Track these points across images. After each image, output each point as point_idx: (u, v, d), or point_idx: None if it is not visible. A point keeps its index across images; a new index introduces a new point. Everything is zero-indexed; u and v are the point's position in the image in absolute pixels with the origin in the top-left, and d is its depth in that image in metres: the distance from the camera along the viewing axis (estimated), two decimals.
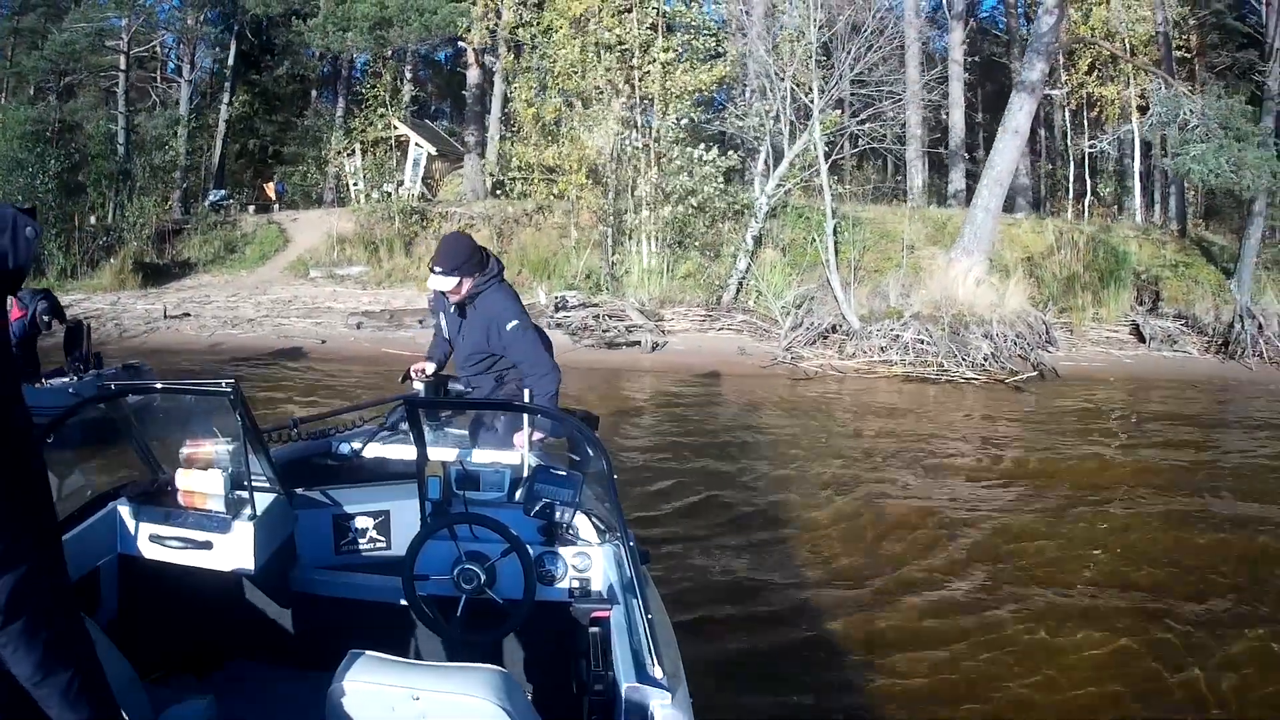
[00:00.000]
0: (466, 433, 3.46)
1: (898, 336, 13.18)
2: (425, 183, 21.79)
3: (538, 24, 16.71)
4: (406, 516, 3.01)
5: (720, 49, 16.54)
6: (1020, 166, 19.62)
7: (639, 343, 13.60)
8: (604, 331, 14.00)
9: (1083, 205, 20.29)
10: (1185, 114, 15.01)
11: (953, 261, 14.36)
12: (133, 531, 2.72)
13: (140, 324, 14.14)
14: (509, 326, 3.61)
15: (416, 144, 22.04)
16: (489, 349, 3.67)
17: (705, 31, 16.29)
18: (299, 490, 2.99)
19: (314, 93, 26.65)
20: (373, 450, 3.26)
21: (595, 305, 14.21)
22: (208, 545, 2.63)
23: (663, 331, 13.93)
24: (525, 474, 2.89)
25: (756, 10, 16.12)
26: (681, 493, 6.52)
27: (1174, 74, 19.77)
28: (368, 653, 1.83)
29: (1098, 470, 7.93)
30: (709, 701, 2.95)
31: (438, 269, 3.57)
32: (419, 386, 3.79)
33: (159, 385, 2.94)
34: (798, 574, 5.19)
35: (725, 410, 10.41)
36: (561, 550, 2.71)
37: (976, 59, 20.54)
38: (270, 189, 22.98)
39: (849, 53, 14.99)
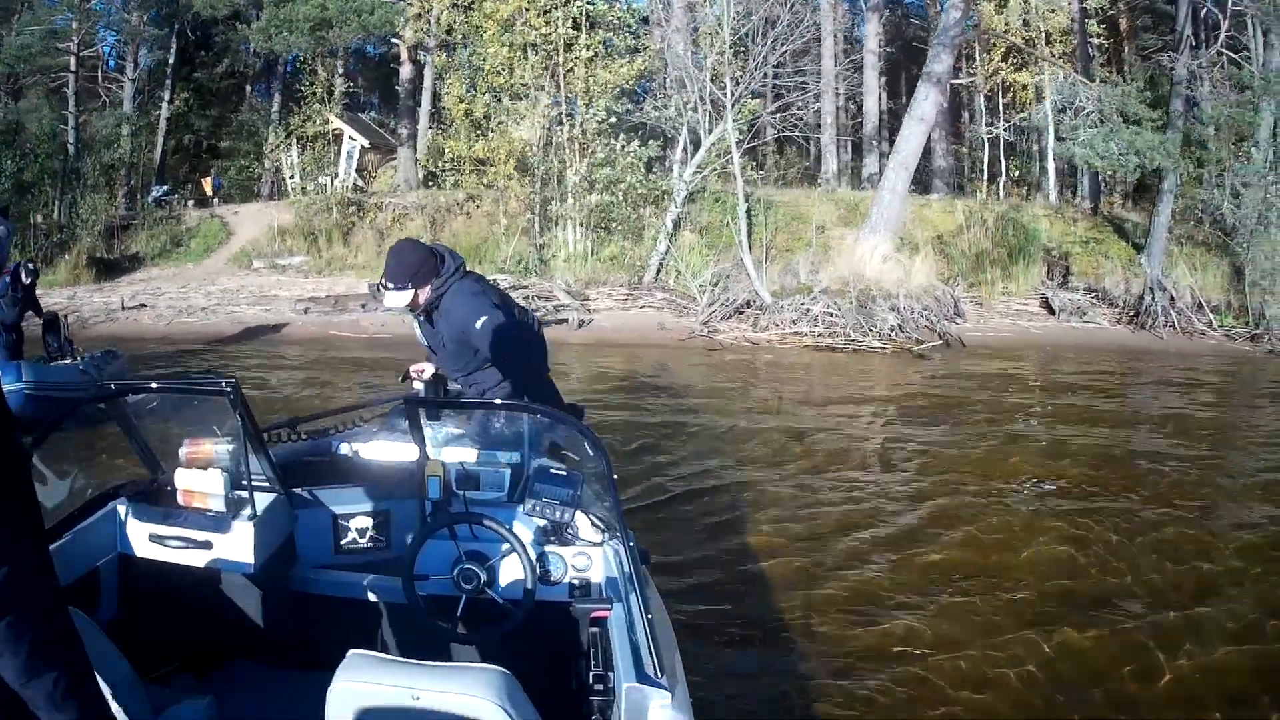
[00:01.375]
0: (466, 432, 3.53)
1: (808, 310, 15.22)
2: (359, 174, 23.78)
3: (468, 24, 18.93)
4: (406, 516, 3.21)
5: (640, 44, 18.86)
6: (939, 150, 22.04)
7: (566, 320, 15.60)
8: (534, 310, 16.21)
9: (997, 186, 22.80)
10: (1081, 100, 17.45)
11: (861, 240, 16.58)
12: (133, 531, 2.92)
13: (100, 315, 15.71)
14: (478, 325, 3.67)
15: (350, 137, 24.15)
16: (473, 351, 3.76)
17: (626, 28, 18.62)
18: (299, 490, 3.17)
19: (248, 88, 28.79)
20: (373, 450, 3.49)
21: (525, 287, 16.12)
22: (208, 545, 2.84)
23: (588, 310, 16.04)
24: (525, 474, 3.10)
25: (676, 5, 18.47)
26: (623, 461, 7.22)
27: (1090, 60, 22.33)
28: (368, 653, 1.92)
29: (990, 425, 9.47)
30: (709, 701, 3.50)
31: (389, 285, 3.67)
32: (419, 386, 3.99)
33: (155, 385, 3.08)
34: (746, 549, 5.71)
35: (648, 379, 12.08)
36: (561, 550, 2.91)
37: (895, 46, 23.01)
38: (208, 184, 24.95)
39: (765, 45, 17.34)
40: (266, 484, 3.02)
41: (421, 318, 3.81)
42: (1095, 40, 23.07)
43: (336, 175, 22.65)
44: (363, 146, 24.36)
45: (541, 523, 2.90)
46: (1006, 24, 20.95)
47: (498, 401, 3.55)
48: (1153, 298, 17.60)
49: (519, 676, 1.89)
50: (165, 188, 22.97)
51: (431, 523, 2.90)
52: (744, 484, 7.02)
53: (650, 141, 17.90)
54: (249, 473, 2.90)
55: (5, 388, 5.39)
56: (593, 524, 3.02)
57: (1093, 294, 18.38)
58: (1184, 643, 4.47)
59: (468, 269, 3.84)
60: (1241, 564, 5.58)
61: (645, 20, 19.46)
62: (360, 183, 23.11)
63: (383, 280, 3.71)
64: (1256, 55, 20.59)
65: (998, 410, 10.18)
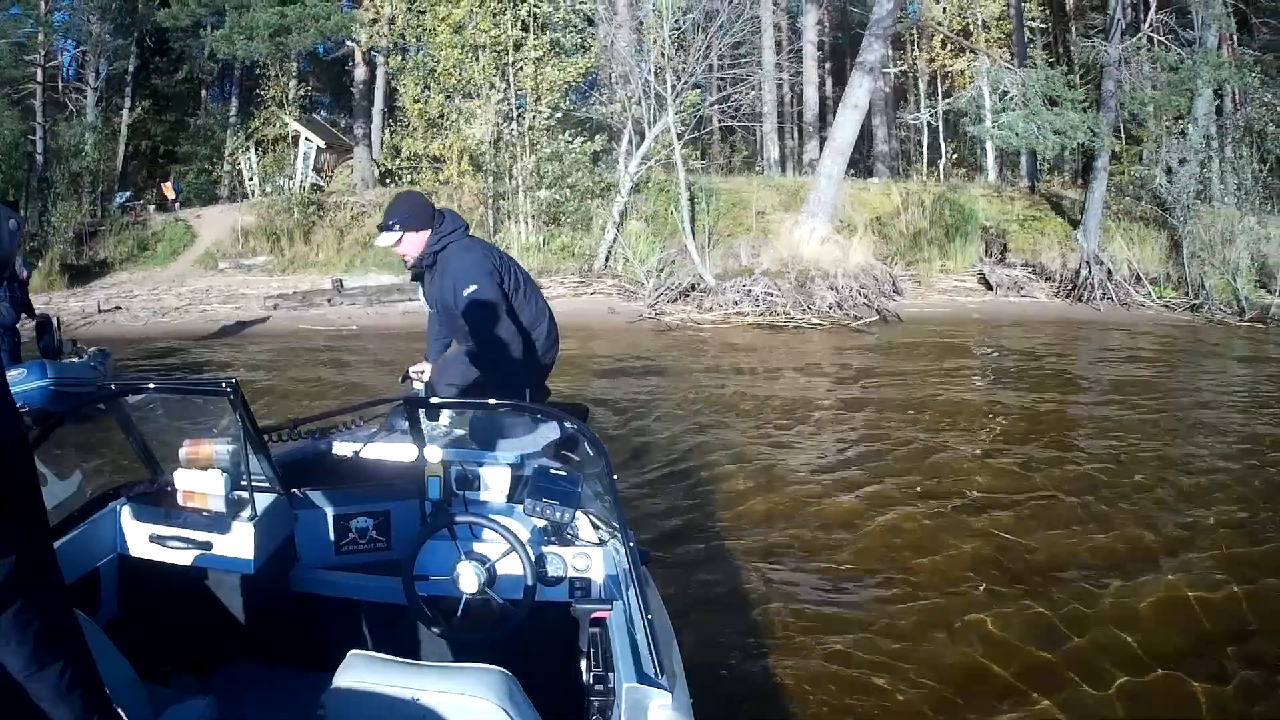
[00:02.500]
0: (466, 432, 3.63)
1: (749, 291, 17.26)
2: (316, 174, 25.70)
3: (421, 27, 20.93)
4: (406, 516, 3.39)
5: (586, 43, 20.92)
6: (881, 135, 24.23)
7: None
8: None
9: (939, 168, 25.05)
10: (1006, 85, 19.60)
11: (800, 224, 18.65)
12: (133, 531, 3.06)
13: (78, 319, 17.06)
14: (466, 292, 3.86)
15: (306, 138, 26.07)
16: (451, 310, 4.01)
17: (572, 28, 20.68)
18: (299, 490, 3.34)
19: (204, 93, 30.72)
20: (373, 450, 3.68)
21: None
22: (208, 545, 2.97)
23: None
24: (525, 474, 3.25)
25: (620, 5, 20.55)
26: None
27: (1027, 44, 24.55)
28: (368, 653, 2.01)
29: (917, 386, 11.04)
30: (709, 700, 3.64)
31: (380, 225, 3.99)
32: (419, 386, 4.22)
33: (155, 385, 3.23)
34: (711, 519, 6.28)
35: (600, 358, 13.41)
36: (561, 550, 3.04)
37: (840, 33, 25.29)
38: (168, 189, 26.73)
39: (705, 38, 19.43)
40: (266, 484, 3.16)
41: (426, 275, 4.14)
42: (1033, 24, 25.37)
43: (293, 176, 24.60)
44: (318, 147, 26.25)
45: (541, 523, 3.02)
46: (944, 11, 23.20)
47: (498, 402, 3.66)
48: (1089, 271, 19.69)
49: (519, 676, 1.98)
50: (128, 194, 24.76)
51: (431, 523, 3.04)
52: (710, 463, 7.66)
53: (596, 135, 19.94)
54: (249, 473, 3.06)
55: (33, 384, 8.03)
56: (593, 524, 3.18)
57: (1030, 269, 20.46)
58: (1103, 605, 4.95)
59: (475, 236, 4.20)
60: (1190, 523, 6.23)
61: (590, 21, 21.53)
62: (318, 182, 25.03)
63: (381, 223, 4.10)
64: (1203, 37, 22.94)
65: (935, 376, 11.85)
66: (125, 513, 3.12)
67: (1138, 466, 7.58)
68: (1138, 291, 19.75)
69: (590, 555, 3.08)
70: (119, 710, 1.86)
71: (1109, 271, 19.81)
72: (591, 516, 3.22)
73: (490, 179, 19.42)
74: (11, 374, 7.46)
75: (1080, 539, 5.88)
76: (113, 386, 3.25)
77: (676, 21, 19.21)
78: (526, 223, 19.14)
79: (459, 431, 3.58)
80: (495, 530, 2.97)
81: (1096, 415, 9.77)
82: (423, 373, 4.32)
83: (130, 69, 26.09)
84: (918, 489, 6.80)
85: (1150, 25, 21.44)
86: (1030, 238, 21.05)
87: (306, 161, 25.75)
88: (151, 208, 24.49)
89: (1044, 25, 26.40)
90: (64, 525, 2.94)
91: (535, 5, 20.23)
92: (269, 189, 23.42)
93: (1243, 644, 4.49)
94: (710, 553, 5.62)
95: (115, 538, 3.10)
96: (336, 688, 1.91)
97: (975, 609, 4.84)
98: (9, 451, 1.56)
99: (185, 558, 3.03)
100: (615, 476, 3.10)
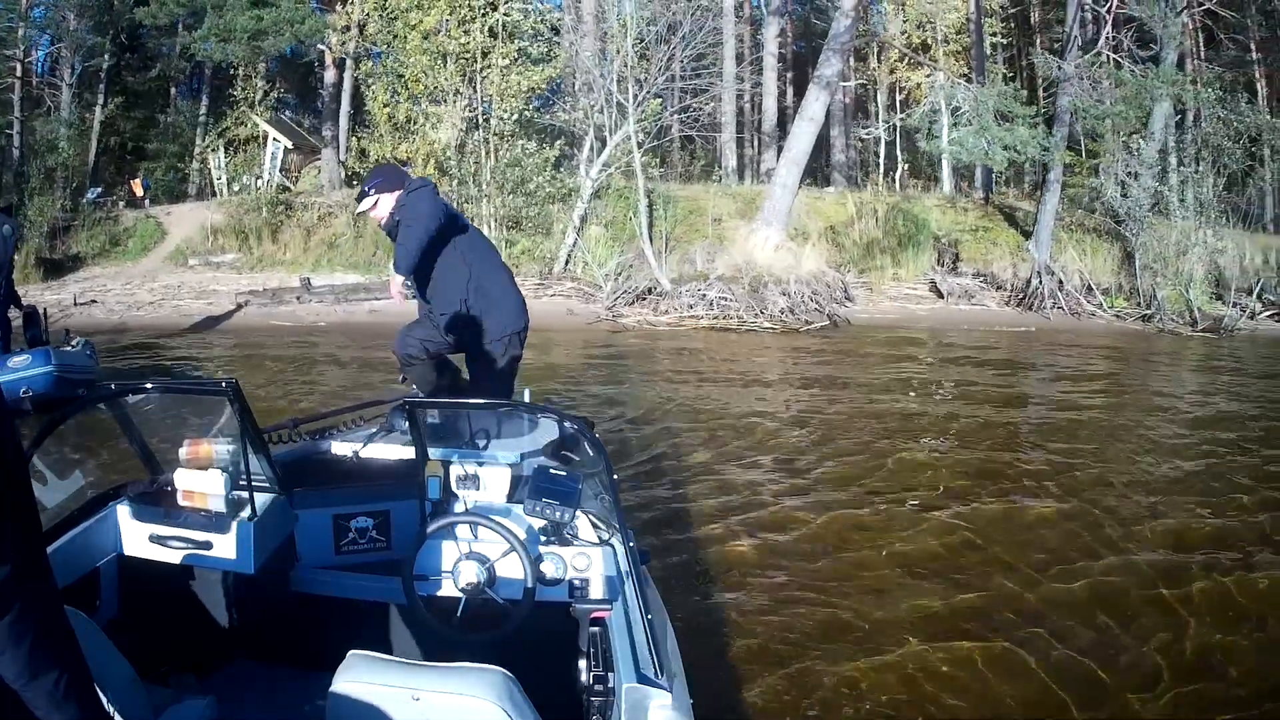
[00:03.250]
0: (465, 432, 3.68)
1: (704, 295, 18.59)
2: (283, 174, 27.00)
3: (391, 34, 22.29)
4: (406, 516, 3.54)
5: (551, 53, 22.32)
6: (839, 145, 25.78)
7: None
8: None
9: (894, 179, 26.65)
10: (958, 101, 21.11)
11: (754, 231, 20.06)
12: (133, 532, 3.20)
13: (55, 311, 17.67)
14: (402, 216, 4.46)
15: (274, 139, 27.40)
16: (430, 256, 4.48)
17: (539, 37, 22.10)
18: (299, 490, 3.47)
19: (173, 90, 31.97)
20: (373, 450, 3.84)
21: None
22: (208, 545, 3.11)
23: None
24: (525, 474, 3.39)
25: (586, 15, 21.99)
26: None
27: (986, 58, 26.13)
28: (368, 653, 2.10)
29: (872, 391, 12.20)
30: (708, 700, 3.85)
31: (358, 195, 4.52)
32: (397, 295, 4.64)
33: (155, 385, 3.36)
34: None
35: (559, 360, 14.52)
36: (561, 550, 3.17)
37: (804, 42, 26.90)
38: (137, 185, 27.92)
39: (668, 50, 20.86)
40: (266, 484, 3.27)
41: (387, 234, 4.62)
42: (995, 38, 27.01)
43: (261, 175, 25.90)
44: (286, 148, 27.58)
45: (541, 523, 3.14)
46: (904, 25, 24.77)
47: (498, 401, 3.77)
48: (1040, 281, 21.17)
49: (519, 676, 2.04)
50: (99, 190, 25.77)
51: (431, 523, 3.13)
52: (676, 456, 8.38)
53: (558, 141, 21.33)
54: (249, 473, 3.16)
55: (39, 370, 9.34)
56: (593, 524, 3.31)
57: (981, 278, 21.98)
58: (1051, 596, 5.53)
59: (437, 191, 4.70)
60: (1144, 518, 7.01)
61: (555, 30, 22.93)
62: (284, 183, 26.31)
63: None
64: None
65: (881, 378, 13.10)
66: (125, 513, 3.23)
67: (1083, 463, 8.53)
68: (1089, 301, 21.21)
69: (590, 555, 3.18)
70: (119, 711, 1.94)
71: (1060, 281, 21.31)
72: (591, 516, 3.35)
73: (455, 183, 20.75)
74: (18, 359, 8.90)
75: (1024, 524, 6.79)
76: (112, 387, 3.35)
77: (640, 33, 20.67)
78: (489, 226, 20.48)
79: (459, 431, 3.68)
80: (495, 530, 3.05)
81: (1037, 417, 11.03)
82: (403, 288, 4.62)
83: (104, 66, 27.30)
84: (871, 488, 7.53)
85: (1105, 42, 22.98)
86: (982, 248, 22.56)
87: (274, 162, 27.04)
88: (122, 204, 25.72)
89: (1005, 40, 28.02)
90: (64, 525, 3.05)
91: (505, 14, 21.63)
92: (237, 188, 24.75)
93: (1175, 633, 5.01)
94: (682, 547, 6.08)
95: (115, 538, 3.22)
96: (336, 688, 1.99)
97: (957, 604, 5.29)
98: (7, 451, 1.63)
99: (185, 558, 3.16)
100: (615, 476, 3.24)
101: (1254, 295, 21.70)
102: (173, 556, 3.17)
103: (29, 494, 1.69)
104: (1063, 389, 13.08)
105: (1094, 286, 21.55)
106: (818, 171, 26.23)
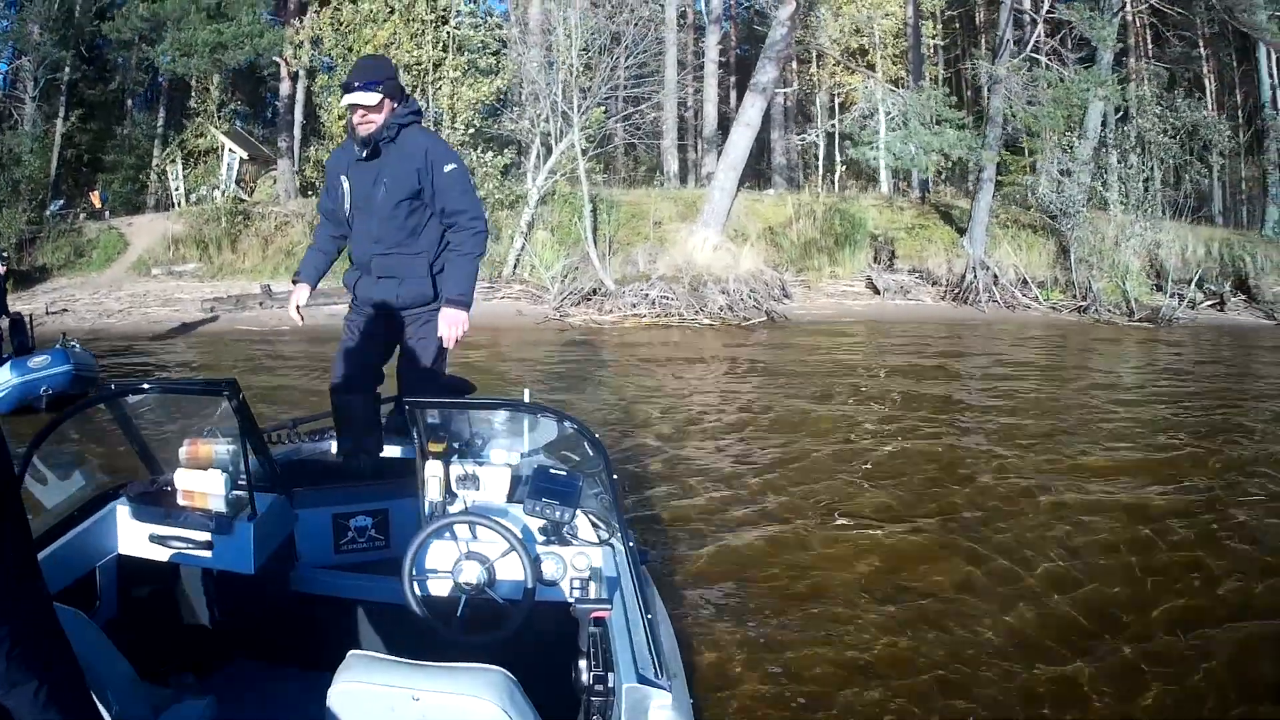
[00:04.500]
0: (465, 432, 3.77)
1: (646, 294, 20.59)
2: (238, 185, 28.96)
3: (347, 48, 24.48)
4: (406, 516, 3.77)
5: (500, 65, 24.63)
6: (779, 148, 28.22)
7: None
8: None
9: (833, 180, 29.14)
10: (888, 107, 23.56)
11: (694, 233, 22.27)
12: (133, 532, 3.37)
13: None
14: (448, 168, 4.10)
15: (230, 149, 29.45)
16: (417, 193, 4.10)
17: (487, 50, 24.42)
18: (299, 490, 3.70)
19: (129, 102, 33.84)
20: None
21: None
22: (208, 545, 3.27)
23: None
24: (525, 474, 3.56)
25: (533, 27, 24.33)
26: None
27: (923, 61, 28.64)
28: (368, 653, 2.19)
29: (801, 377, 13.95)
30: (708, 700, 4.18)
31: (357, 83, 4.03)
32: (295, 316, 4.49)
33: (155, 385, 3.60)
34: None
35: (510, 356, 15.94)
36: (561, 550, 3.31)
37: (744, 48, 29.34)
38: (95, 197, 29.90)
39: (611, 59, 23.19)
40: (266, 484, 3.44)
41: (364, 153, 4.11)
42: (935, 40, 29.55)
43: (217, 186, 27.85)
44: (241, 158, 29.64)
45: (541, 523, 3.31)
46: (841, 31, 27.22)
47: (499, 400, 3.84)
48: (975, 275, 23.32)
49: (519, 676, 2.14)
50: (60, 202, 27.59)
51: (431, 523, 3.24)
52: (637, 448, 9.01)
53: (505, 150, 23.57)
54: (249, 473, 3.33)
55: (59, 370, 11.39)
56: (593, 524, 3.47)
57: (917, 274, 24.22)
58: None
59: None
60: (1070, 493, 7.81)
61: (504, 43, 25.25)
62: (240, 193, 28.22)
63: (349, 80, 4.09)
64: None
65: (813, 369, 14.66)
66: (125, 513, 3.37)
67: (1016, 444, 9.53)
68: (1024, 294, 23.46)
69: (590, 555, 3.29)
70: (118, 712, 2.04)
71: (995, 276, 23.51)
72: (591, 516, 3.49)
73: None
74: (38, 360, 9.93)
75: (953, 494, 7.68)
76: (113, 387, 3.48)
77: (585, 44, 22.93)
78: None
79: (458, 431, 3.74)
80: (495, 530, 3.15)
81: (969, 400, 12.39)
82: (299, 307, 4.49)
83: (66, 79, 29.13)
84: (807, 495, 7.87)
85: (1033, 45, 25.43)
86: (918, 245, 24.86)
87: (230, 172, 29.02)
88: (82, 215, 27.58)
89: (945, 42, 30.53)
90: (64, 525, 3.18)
91: (455, 29, 23.93)
92: (194, 199, 26.88)
93: (1113, 624, 5.37)
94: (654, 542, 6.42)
95: (115, 538, 3.35)
96: (336, 688, 2.08)
97: (942, 601, 5.61)
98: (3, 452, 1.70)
99: (185, 558, 3.30)
100: (615, 476, 3.39)
101: (1192, 285, 23.89)
102: (172, 556, 3.33)
103: (18, 501, 1.76)
104: (996, 371, 14.88)
105: (1029, 280, 23.79)
106: (760, 173, 28.75)
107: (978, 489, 7.94)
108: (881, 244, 24.77)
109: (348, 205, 4.27)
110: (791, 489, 7.90)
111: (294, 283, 4.50)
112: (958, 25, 33.16)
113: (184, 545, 3.31)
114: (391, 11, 23.25)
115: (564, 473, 3.44)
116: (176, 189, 28.20)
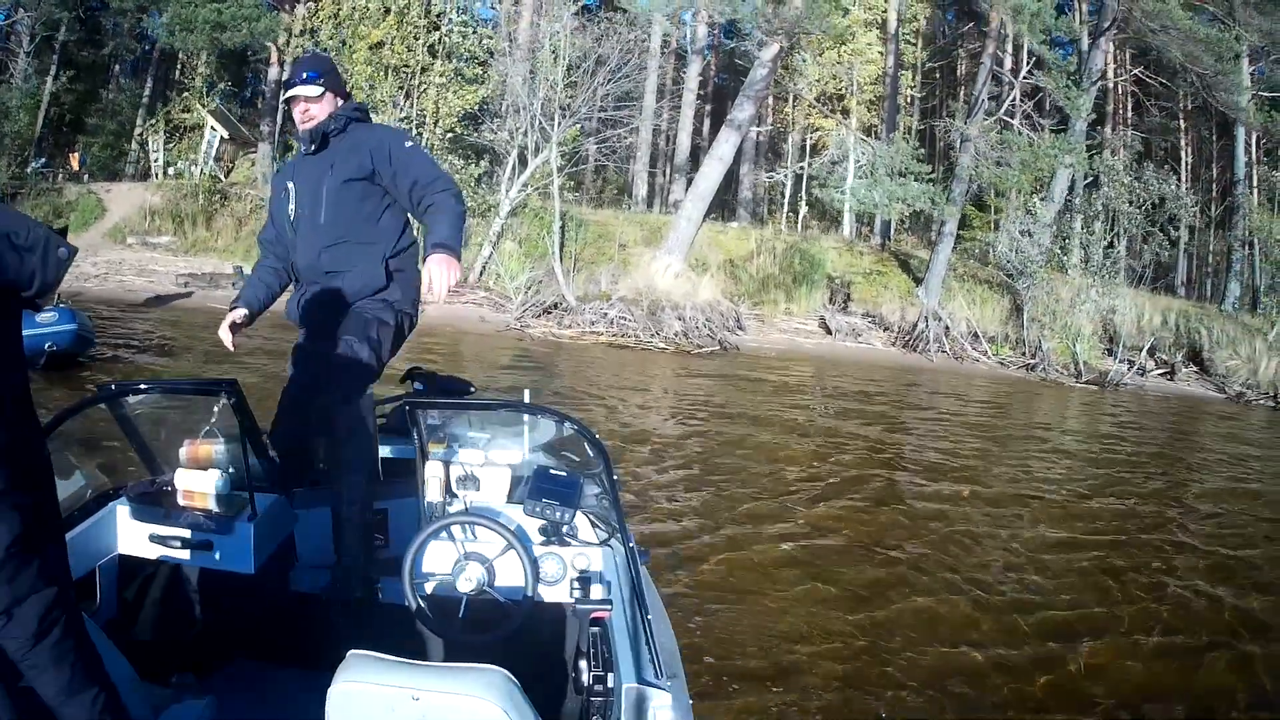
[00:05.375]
0: (465, 432, 3.83)
1: (606, 314, 21.88)
2: (217, 162, 30.25)
3: (341, 41, 25.94)
4: (406, 516, 3.81)
5: (485, 74, 26.22)
6: (747, 182, 29.96)
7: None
8: None
9: (799, 218, 30.98)
10: (858, 155, 25.39)
11: (656, 258, 23.80)
12: (133, 531, 3.45)
13: None
14: (408, 144, 3.90)
15: (212, 127, 30.69)
16: (371, 174, 3.79)
17: (475, 59, 26.02)
18: (299, 490, 3.76)
19: (116, 67, 35.14)
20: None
21: None
22: (208, 545, 3.36)
23: (421, 304, 23.12)
24: (525, 474, 3.65)
25: (521, 41, 25.98)
26: None
27: (898, 110, 30.52)
28: (368, 653, 2.21)
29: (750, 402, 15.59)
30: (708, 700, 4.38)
31: (298, 77, 3.86)
32: (226, 337, 3.86)
33: (155, 385, 3.71)
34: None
35: (469, 359, 17.03)
36: (561, 550, 3.43)
37: (723, 77, 31.06)
38: (74, 159, 31.26)
39: (593, 81, 24.83)
40: (266, 484, 3.57)
41: (311, 147, 3.89)
42: (911, 90, 31.49)
43: (196, 162, 29.16)
44: (222, 137, 30.86)
45: (541, 523, 3.44)
46: (820, 76, 29.10)
47: (499, 400, 4.00)
48: (927, 325, 24.81)
49: (519, 676, 2.19)
50: (43, 160, 28.68)
51: (431, 523, 3.33)
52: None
53: (482, 159, 25.01)
54: (249, 473, 3.46)
55: (65, 327, 12.67)
56: (593, 524, 3.61)
57: (870, 318, 25.70)
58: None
59: None
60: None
61: (491, 53, 26.83)
62: (218, 172, 29.51)
63: (290, 76, 3.95)
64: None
65: (760, 399, 15.94)
66: (125, 513, 3.45)
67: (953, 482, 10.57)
68: (974, 348, 24.98)
69: (590, 555, 3.40)
70: None
71: (946, 327, 25.09)
72: (591, 516, 3.58)
73: None
74: (46, 316, 10.53)
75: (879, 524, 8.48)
76: (113, 386, 3.54)
77: (570, 63, 24.46)
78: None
79: (458, 431, 3.80)
80: (495, 530, 3.26)
81: (895, 439, 13.52)
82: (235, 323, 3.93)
83: (60, 38, 30.27)
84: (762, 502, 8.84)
85: (1007, 109, 27.19)
86: (874, 290, 26.37)
87: (210, 150, 30.25)
88: (60, 176, 28.78)
89: (921, 94, 32.44)
90: (64, 525, 2.95)
91: (446, 34, 25.52)
92: (172, 172, 28.17)
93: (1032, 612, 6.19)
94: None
95: (115, 538, 3.44)
96: (336, 688, 2.13)
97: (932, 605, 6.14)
98: (43, 474, 1.83)
99: (185, 558, 3.39)
100: (615, 477, 3.49)
101: (1143, 353, 25.56)
102: (173, 556, 3.42)
103: (59, 518, 1.93)
104: (936, 417, 16.14)
105: (980, 334, 25.34)
106: (727, 204, 30.47)
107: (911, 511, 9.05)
108: (838, 286, 26.31)
109: (292, 207, 3.94)
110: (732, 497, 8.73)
111: (230, 309, 3.93)
112: (938, 76, 35.06)
113: (184, 545, 3.41)
114: (387, 12, 24.75)
115: (564, 473, 3.57)
116: (156, 160, 29.54)
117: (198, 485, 3.46)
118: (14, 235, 1.78)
